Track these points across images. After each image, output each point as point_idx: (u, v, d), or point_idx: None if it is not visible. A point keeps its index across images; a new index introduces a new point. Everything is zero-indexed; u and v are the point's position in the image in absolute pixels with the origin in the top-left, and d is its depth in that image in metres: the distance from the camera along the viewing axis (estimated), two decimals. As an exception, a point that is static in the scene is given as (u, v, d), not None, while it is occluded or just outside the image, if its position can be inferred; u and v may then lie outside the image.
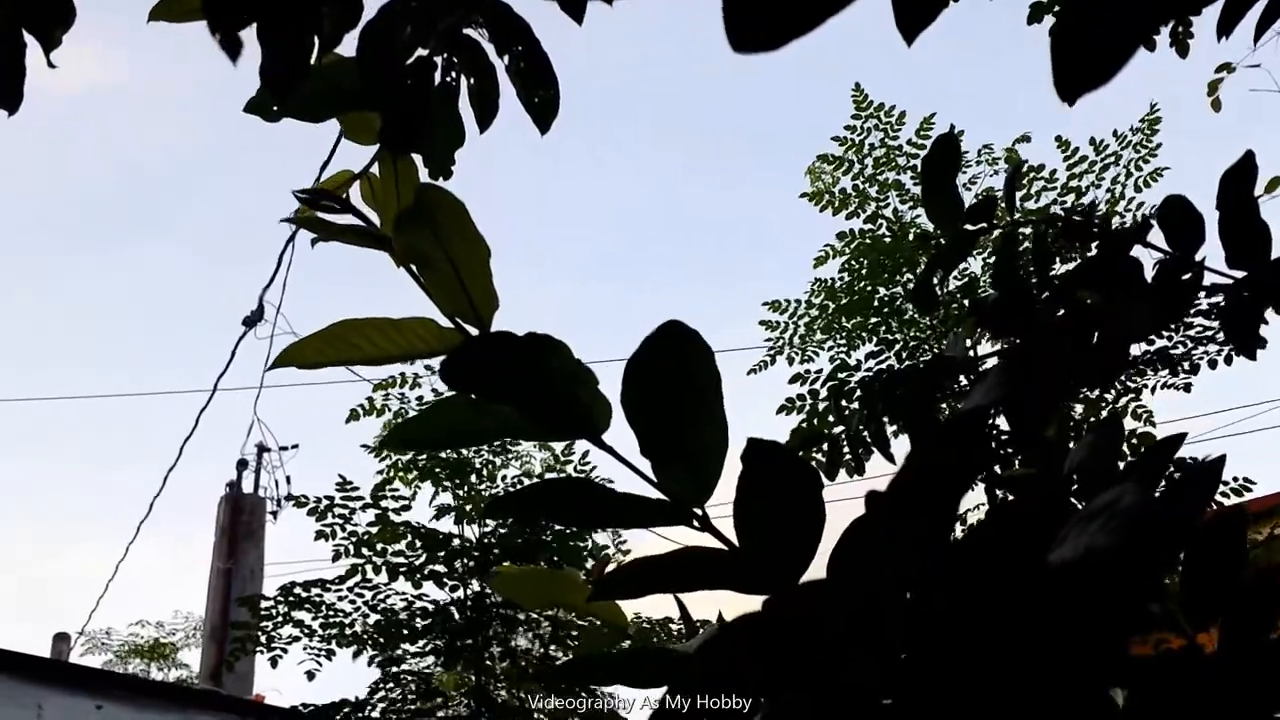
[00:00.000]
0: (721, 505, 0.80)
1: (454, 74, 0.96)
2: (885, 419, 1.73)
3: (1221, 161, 1.19)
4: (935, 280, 1.50)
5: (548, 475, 9.08)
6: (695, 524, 0.82)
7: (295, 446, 17.12)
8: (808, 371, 7.63)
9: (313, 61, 0.89)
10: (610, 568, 0.88)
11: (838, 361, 7.67)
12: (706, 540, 0.81)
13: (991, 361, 1.47)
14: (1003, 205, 1.37)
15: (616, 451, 0.84)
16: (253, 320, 9.67)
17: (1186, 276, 1.23)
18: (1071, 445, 1.10)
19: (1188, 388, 6.81)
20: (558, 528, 8.55)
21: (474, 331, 0.85)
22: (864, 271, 7.67)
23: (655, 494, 0.82)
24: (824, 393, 7.26)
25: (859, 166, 7.76)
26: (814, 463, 2.05)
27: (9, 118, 0.71)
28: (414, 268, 0.85)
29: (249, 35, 0.75)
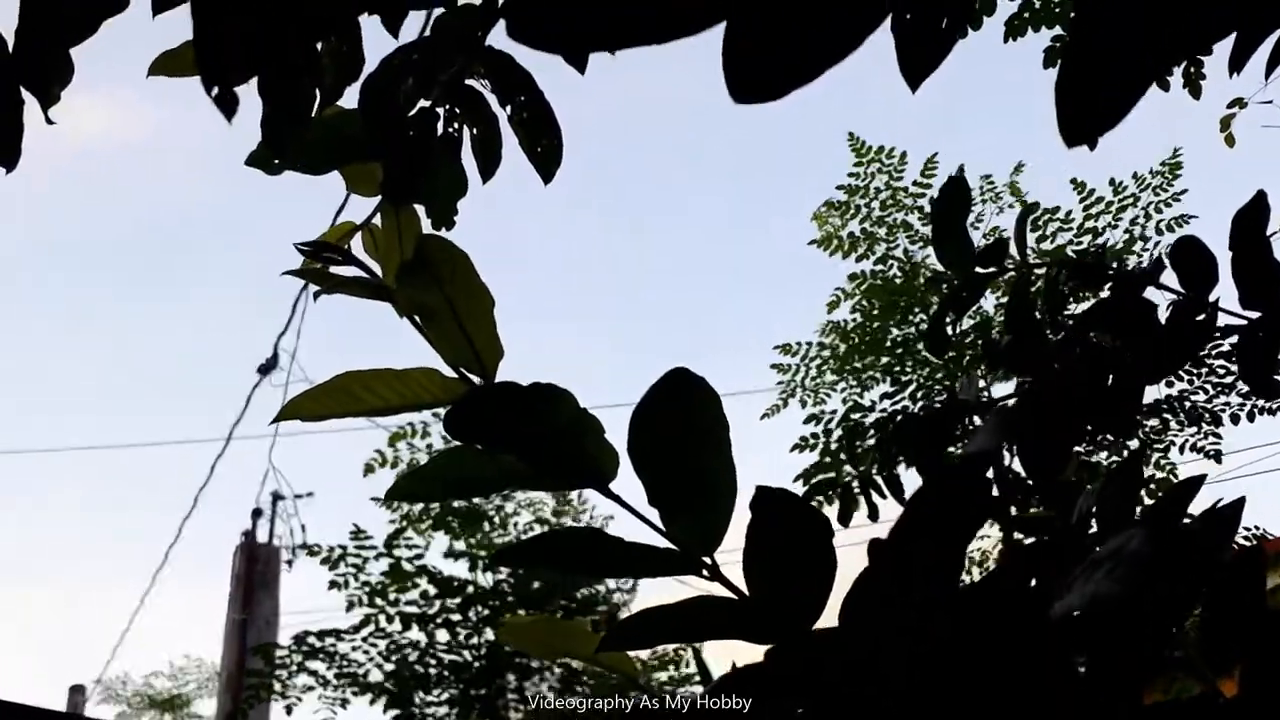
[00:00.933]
0: (732, 551, 0.80)
1: (456, 124, 0.96)
2: (900, 462, 1.72)
3: (1235, 195, 1.18)
4: (947, 323, 1.50)
5: (562, 521, 9.09)
6: (705, 573, 0.82)
7: (310, 494, 17.07)
8: (821, 412, 7.61)
9: (314, 113, 0.89)
10: (621, 615, 0.87)
11: (850, 403, 7.65)
12: (716, 589, 0.80)
13: (1008, 403, 1.46)
14: (1014, 247, 1.37)
15: (624, 500, 0.84)
16: (268, 368, 9.73)
17: (1200, 318, 1.23)
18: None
19: (1218, 456, 6.73)
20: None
21: (479, 381, 0.85)
22: (875, 312, 7.66)
23: (664, 543, 0.81)
24: (838, 433, 7.24)
25: (865, 210, 7.77)
26: (826, 499, 2.03)
27: (7, 174, 0.72)
28: (417, 318, 0.85)
29: (250, 88, 0.75)
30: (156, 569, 14.29)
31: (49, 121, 0.73)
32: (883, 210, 7.74)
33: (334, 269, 0.88)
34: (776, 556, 0.75)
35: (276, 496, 17.30)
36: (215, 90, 0.54)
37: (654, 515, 0.81)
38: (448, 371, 0.85)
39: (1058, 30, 4.36)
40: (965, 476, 0.55)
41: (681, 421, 0.77)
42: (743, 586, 0.78)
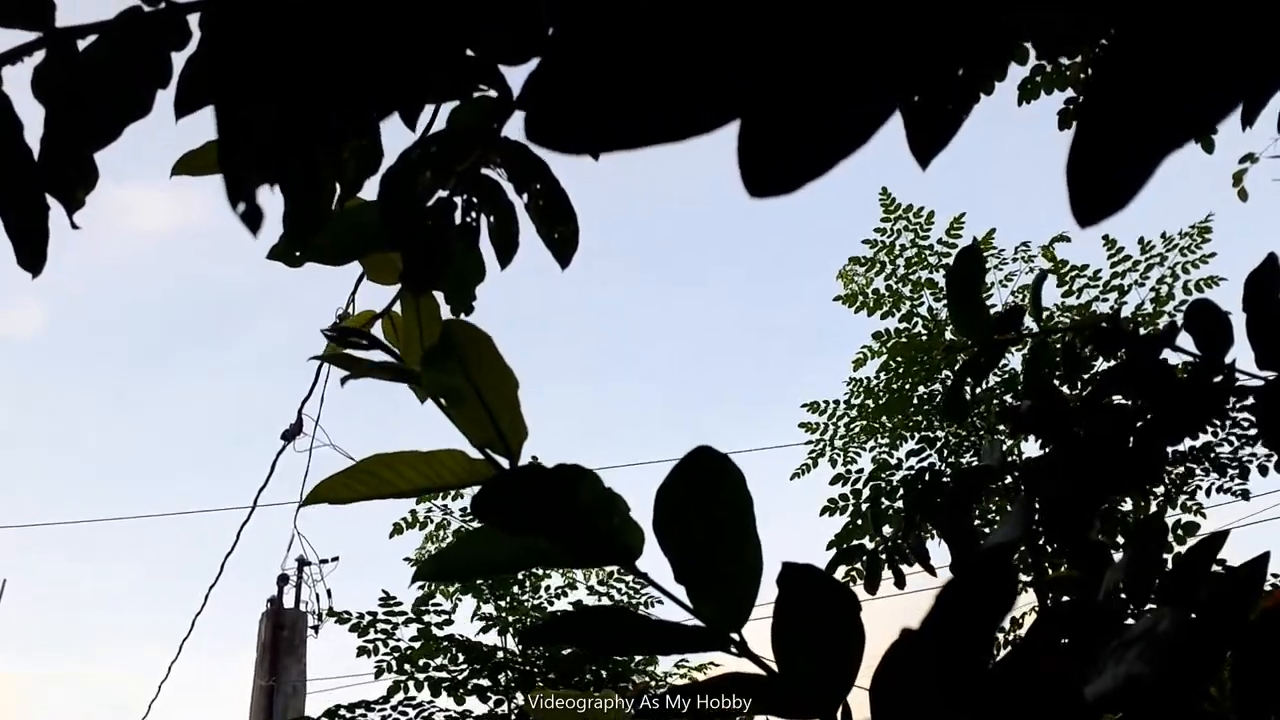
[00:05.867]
0: (761, 618, 0.80)
1: (474, 213, 0.98)
2: (925, 528, 1.71)
3: (1250, 247, 1.19)
4: (966, 389, 1.50)
5: (590, 582, 9.04)
6: (733, 650, 0.82)
7: (336, 559, 16.96)
8: (849, 471, 7.57)
9: (334, 206, 0.91)
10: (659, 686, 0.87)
11: (879, 461, 7.61)
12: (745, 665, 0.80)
13: (1033, 467, 1.46)
14: (1030, 313, 1.37)
15: (651, 578, 0.84)
16: (291, 434, 9.72)
17: (1218, 379, 1.23)
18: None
19: (1245, 494, 6.70)
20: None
21: (504, 462, 0.85)
22: (901, 370, 7.66)
23: (692, 619, 0.82)
24: (866, 492, 7.20)
25: (891, 267, 7.79)
26: (856, 572, 2.03)
27: (34, 279, 0.73)
28: (442, 401, 0.86)
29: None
30: (184, 637, 14.20)
31: (74, 226, 0.75)
32: (908, 268, 7.77)
33: (358, 353, 0.89)
34: (804, 632, 0.76)
35: (302, 562, 17.21)
36: (240, 206, 0.56)
37: (680, 591, 0.81)
38: (473, 452, 0.86)
39: (1070, 93, 4.39)
40: (993, 568, 0.56)
41: (705, 500, 0.78)
42: (771, 661, 0.78)
